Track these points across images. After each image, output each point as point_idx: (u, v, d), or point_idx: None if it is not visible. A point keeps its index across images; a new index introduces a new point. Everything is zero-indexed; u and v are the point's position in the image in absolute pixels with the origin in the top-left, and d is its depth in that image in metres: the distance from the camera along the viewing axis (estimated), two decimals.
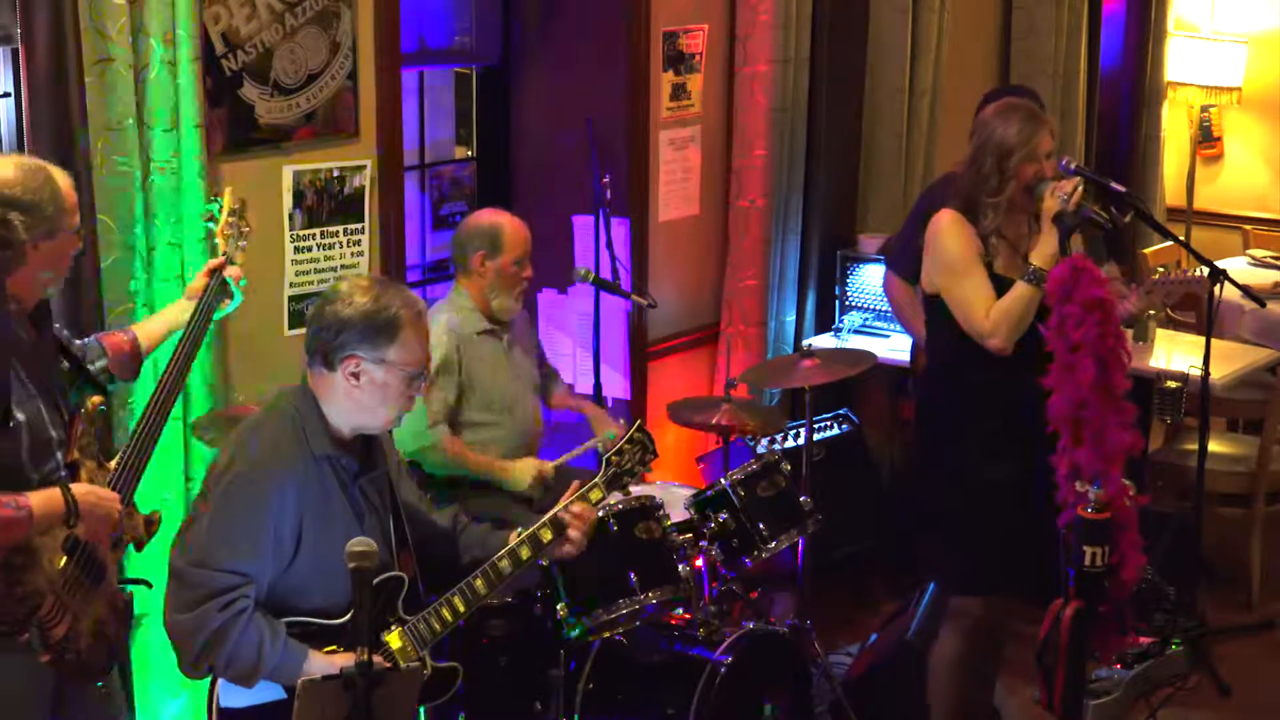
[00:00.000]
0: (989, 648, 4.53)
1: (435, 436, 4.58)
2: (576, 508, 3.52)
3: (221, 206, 3.89)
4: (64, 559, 3.26)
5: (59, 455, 3.35)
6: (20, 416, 3.25)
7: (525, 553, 3.46)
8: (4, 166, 3.33)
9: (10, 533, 3.15)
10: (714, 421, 4.99)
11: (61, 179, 3.38)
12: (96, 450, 3.44)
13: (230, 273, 3.79)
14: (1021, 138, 4.22)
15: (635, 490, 4.49)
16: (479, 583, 3.40)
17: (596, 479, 3.60)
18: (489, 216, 4.79)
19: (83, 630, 3.26)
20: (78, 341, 3.71)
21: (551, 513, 3.52)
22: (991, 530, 4.29)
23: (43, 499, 3.21)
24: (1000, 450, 4.28)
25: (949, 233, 4.27)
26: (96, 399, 3.50)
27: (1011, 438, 4.24)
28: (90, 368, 3.66)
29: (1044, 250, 4.16)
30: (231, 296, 3.82)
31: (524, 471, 4.67)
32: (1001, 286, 4.20)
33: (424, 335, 3.29)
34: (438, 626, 3.35)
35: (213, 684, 3.22)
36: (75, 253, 3.46)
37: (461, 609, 3.38)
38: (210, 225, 3.91)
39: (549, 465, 4.71)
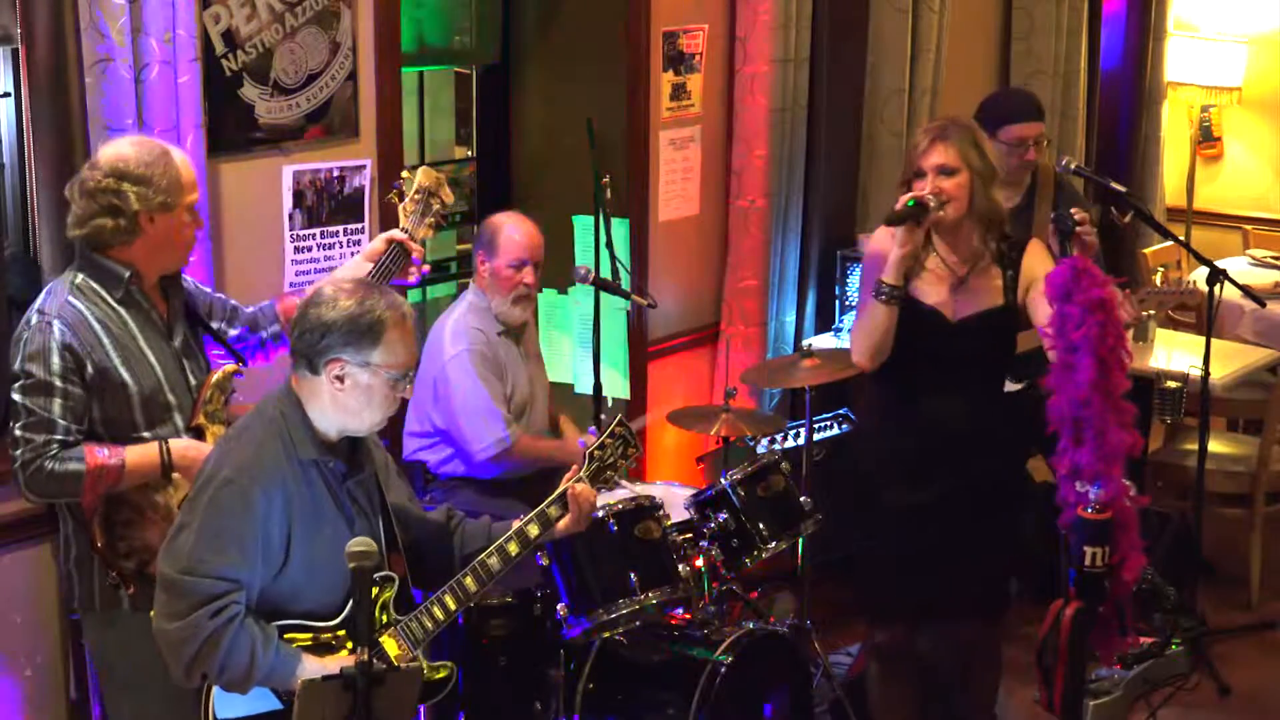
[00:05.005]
0: (903, 674, 4.47)
1: (516, 436, 4.62)
2: (579, 487, 3.55)
3: (413, 183, 3.97)
4: None
5: (178, 419, 3.57)
6: (127, 377, 3.49)
7: (513, 549, 3.46)
8: (122, 145, 3.57)
9: (101, 480, 3.42)
10: (713, 432, 5.00)
11: (179, 159, 3.58)
12: (227, 416, 3.61)
13: (411, 249, 3.88)
14: (910, 146, 4.18)
15: (635, 490, 4.51)
16: (469, 580, 3.41)
17: (581, 473, 3.61)
18: (497, 218, 4.82)
19: None
20: (249, 309, 3.90)
21: (556, 493, 3.55)
22: (884, 556, 4.31)
23: (138, 451, 3.49)
24: (895, 475, 4.26)
25: (870, 245, 4.28)
26: (231, 367, 3.70)
27: (911, 466, 4.22)
28: (263, 334, 3.88)
29: (889, 260, 4.09)
30: (416, 269, 3.92)
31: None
32: (912, 309, 4.13)
33: (409, 337, 3.28)
34: (430, 625, 3.35)
35: (206, 693, 3.20)
36: (196, 232, 3.64)
37: (453, 607, 3.38)
38: (397, 197, 3.98)
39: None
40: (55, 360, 3.41)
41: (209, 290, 3.89)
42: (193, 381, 3.62)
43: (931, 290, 4.16)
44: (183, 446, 3.51)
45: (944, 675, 4.47)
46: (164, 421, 3.55)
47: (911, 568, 4.25)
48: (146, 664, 3.41)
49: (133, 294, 3.53)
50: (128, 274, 3.51)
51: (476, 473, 4.69)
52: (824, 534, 4.71)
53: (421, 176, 3.98)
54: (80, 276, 3.51)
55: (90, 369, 3.44)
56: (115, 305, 3.51)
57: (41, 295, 3.55)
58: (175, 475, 3.51)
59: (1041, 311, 4.10)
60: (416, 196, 3.95)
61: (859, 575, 4.55)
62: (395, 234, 3.91)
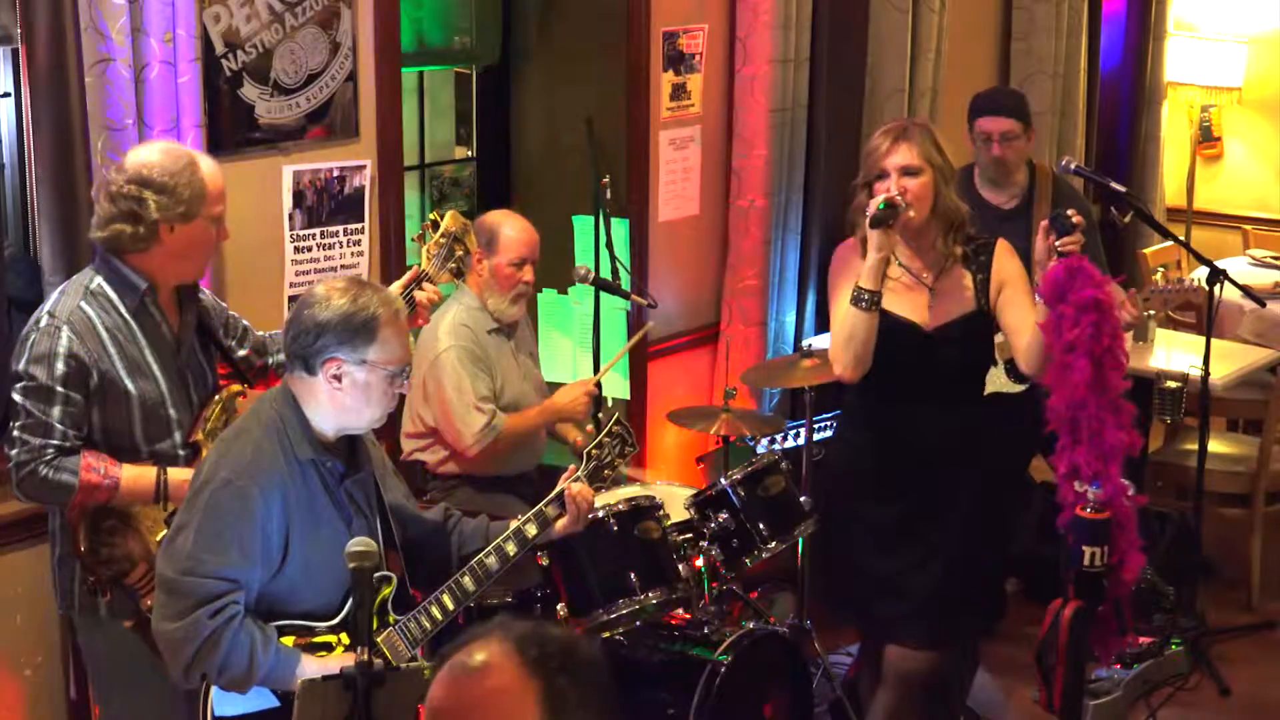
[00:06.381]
0: (882, 682, 4.38)
1: (500, 424, 4.63)
2: (576, 488, 3.56)
3: (439, 225, 3.95)
4: (164, 532, 3.41)
5: (177, 435, 3.53)
6: (131, 389, 3.46)
7: (511, 549, 3.47)
8: (150, 151, 3.54)
9: (91, 497, 3.40)
10: (713, 432, 5.00)
11: (207, 169, 3.55)
12: None
13: (425, 289, 3.85)
14: (870, 148, 4.05)
15: (635, 490, 4.51)
16: (467, 580, 3.41)
17: (579, 472, 3.62)
18: (493, 216, 4.83)
19: None
20: (260, 333, 3.87)
21: (554, 493, 3.56)
22: (852, 569, 4.26)
23: (134, 475, 3.45)
24: (871, 493, 4.20)
25: (833, 259, 4.20)
26: (235, 387, 3.67)
27: (888, 480, 4.16)
28: (269, 360, 3.85)
29: (865, 266, 3.97)
30: (423, 316, 3.90)
31: (575, 399, 4.72)
32: (885, 321, 4.02)
33: (403, 333, 3.29)
34: (428, 625, 3.35)
35: (205, 692, 3.21)
36: (216, 243, 3.63)
37: (451, 606, 3.39)
38: (426, 235, 3.95)
39: (590, 383, 4.83)
40: (59, 366, 3.40)
41: (225, 306, 3.87)
42: (195, 398, 3.60)
43: (902, 301, 4.06)
44: (182, 478, 3.44)
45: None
46: (163, 437, 3.53)
47: (886, 587, 4.18)
48: (134, 665, 3.43)
49: (146, 305, 3.51)
50: (145, 285, 3.49)
51: (474, 470, 4.69)
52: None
53: (449, 221, 3.96)
54: (96, 281, 3.49)
55: (95, 378, 3.42)
56: (127, 315, 3.49)
57: (54, 295, 3.53)
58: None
59: (1010, 314, 4.06)
60: (441, 240, 3.93)
61: (834, 585, 4.51)
62: (411, 275, 3.88)
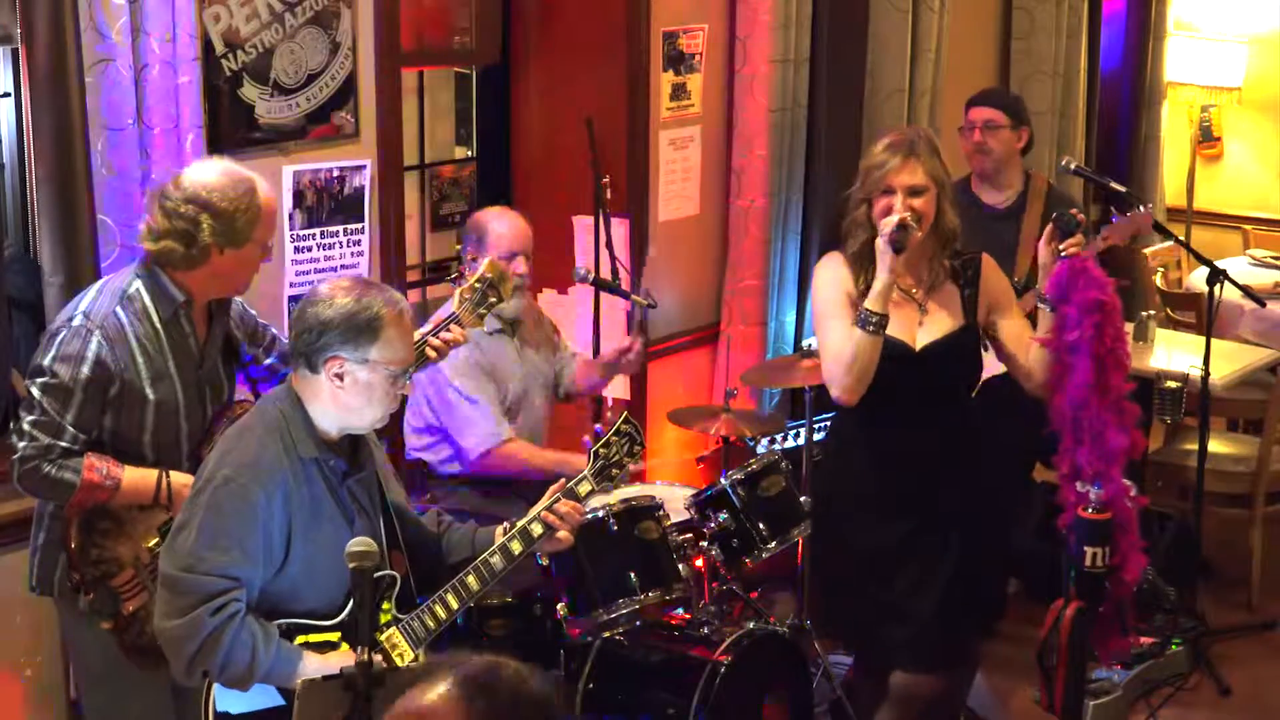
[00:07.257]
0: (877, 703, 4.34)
1: (507, 434, 4.59)
2: (562, 508, 3.51)
3: (476, 271, 3.96)
4: (155, 540, 3.43)
5: (185, 447, 3.54)
6: (151, 397, 3.47)
7: (517, 547, 3.46)
8: (211, 170, 3.52)
9: (91, 495, 3.41)
10: (713, 432, 4.99)
11: (264, 194, 3.54)
12: None
13: (453, 331, 3.83)
14: (874, 162, 3.93)
15: (635, 490, 4.51)
16: (471, 579, 3.40)
17: (585, 472, 3.60)
18: (482, 214, 4.79)
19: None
20: (286, 341, 3.81)
21: (537, 509, 3.51)
22: (850, 596, 4.20)
23: (136, 476, 3.46)
24: (868, 517, 4.10)
25: (819, 274, 4.08)
26: (249, 405, 3.62)
27: (885, 502, 4.07)
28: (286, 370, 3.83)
29: (874, 288, 3.85)
30: (444, 355, 3.88)
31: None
32: (888, 348, 3.91)
33: (407, 333, 3.28)
34: (431, 624, 3.35)
35: (207, 689, 3.21)
36: (260, 263, 3.62)
37: (455, 606, 3.39)
38: (461, 282, 3.97)
39: None
40: (85, 370, 3.40)
41: (255, 314, 3.86)
42: (208, 411, 3.61)
43: (891, 318, 3.92)
44: (184, 481, 3.45)
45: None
46: (171, 444, 3.53)
47: (886, 613, 4.10)
48: (117, 660, 3.43)
49: (179, 318, 3.52)
50: (182, 299, 3.50)
51: (476, 472, 4.68)
52: None
53: (485, 267, 3.97)
54: (135, 286, 3.49)
55: (116, 387, 3.43)
56: (158, 325, 3.49)
57: (92, 293, 3.52)
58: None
59: (1004, 333, 4.01)
60: (477, 285, 3.92)
61: (833, 613, 4.48)
62: (440, 318, 3.86)
